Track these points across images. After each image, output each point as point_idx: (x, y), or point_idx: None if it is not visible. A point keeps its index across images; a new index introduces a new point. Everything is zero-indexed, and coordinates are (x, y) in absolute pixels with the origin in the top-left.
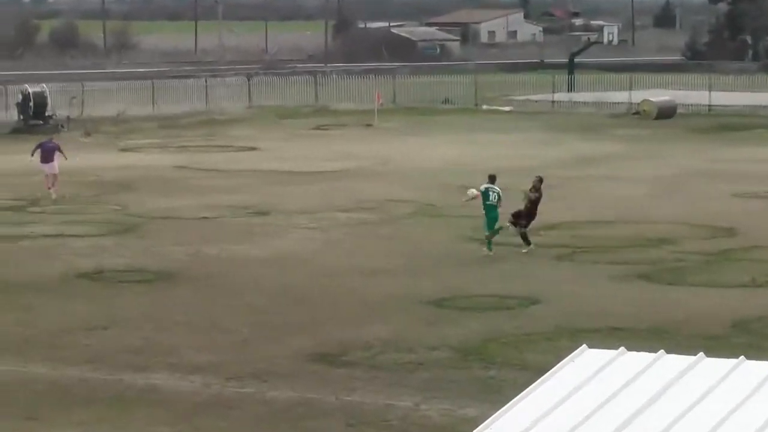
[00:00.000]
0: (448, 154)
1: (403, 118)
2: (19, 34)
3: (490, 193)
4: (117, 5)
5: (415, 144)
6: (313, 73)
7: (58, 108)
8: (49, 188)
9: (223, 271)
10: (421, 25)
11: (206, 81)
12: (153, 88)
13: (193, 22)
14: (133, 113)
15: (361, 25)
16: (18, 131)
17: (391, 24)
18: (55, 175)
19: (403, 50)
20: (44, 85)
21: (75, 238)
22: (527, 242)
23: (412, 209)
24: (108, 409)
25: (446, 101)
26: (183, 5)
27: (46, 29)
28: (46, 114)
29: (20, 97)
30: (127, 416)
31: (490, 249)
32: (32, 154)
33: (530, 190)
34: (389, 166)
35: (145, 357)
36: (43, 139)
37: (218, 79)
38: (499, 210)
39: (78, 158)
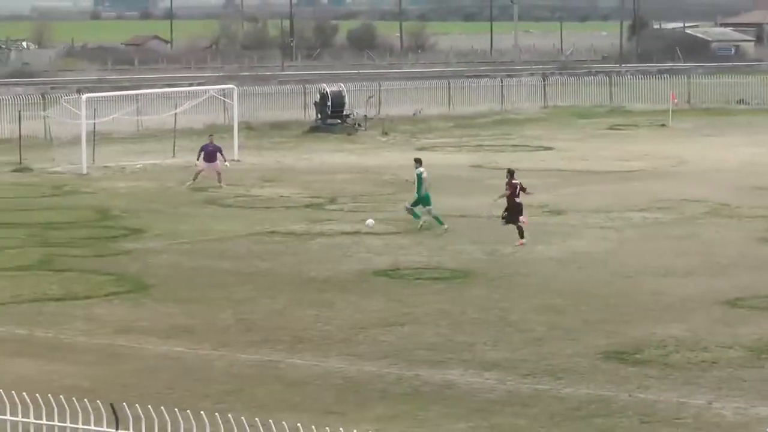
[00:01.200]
0: (742, 155)
1: (697, 119)
2: (317, 35)
3: (423, 174)
4: (414, 6)
5: (709, 144)
6: (607, 73)
7: (355, 107)
8: (219, 182)
9: (519, 270)
10: (716, 25)
11: (501, 81)
12: (449, 87)
13: (489, 23)
14: (429, 112)
15: (656, 26)
16: (316, 130)
17: (686, 24)
18: (218, 173)
19: (697, 51)
20: (342, 85)
21: (371, 235)
22: (521, 235)
23: (706, 209)
24: (404, 404)
25: (741, 102)
26: (478, 6)
27: (344, 30)
28: (344, 113)
29: (318, 96)
30: (424, 412)
31: (419, 218)
32: (198, 158)
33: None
34: (683, 166)
35: (441, 353)
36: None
37: (514, 79)
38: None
39: (376, 157)
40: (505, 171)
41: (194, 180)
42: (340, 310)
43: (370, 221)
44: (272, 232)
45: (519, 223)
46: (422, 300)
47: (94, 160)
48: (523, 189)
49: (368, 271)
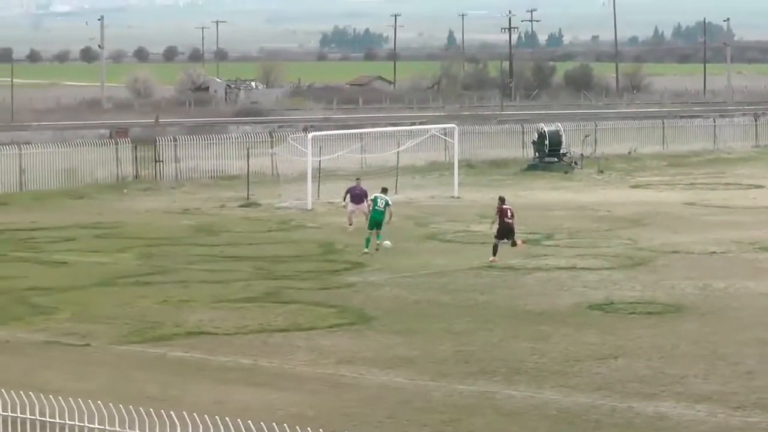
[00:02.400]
0: None
1: None
2: (535, 76)
3: (378, 200)
4: (629, 48)
5: None
6: None
7: (572, 146)
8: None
9: (731, 305)
10: None
11: (714, 121)
12: (663, 127)
13: (702, 65)
14: (643, 151)
15: None
16: (534, 168)
17: None
18: (365, 213)
19: None
20: (559, 124)
21: (587, 270)
22: (493, 253)
23: None
24: None
25: None
26: (693, 48)
27: (561, 71)
28: (561, 152)
29: (536, 135)
30: None
31: (367, 247)
32: (344, 200)
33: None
34: None
35: (654, 386)
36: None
37: (726, 119)
38: (388, 215)
39: (592, 194)
40: (498, 198)
41: (350, 224)
42: (556, 342)
43: (387, 243)
44: (490, 267)
45: (502, 241)
46: (635, 333)
47: (318, 196)
48: (512, 214)
49: (583, 305)
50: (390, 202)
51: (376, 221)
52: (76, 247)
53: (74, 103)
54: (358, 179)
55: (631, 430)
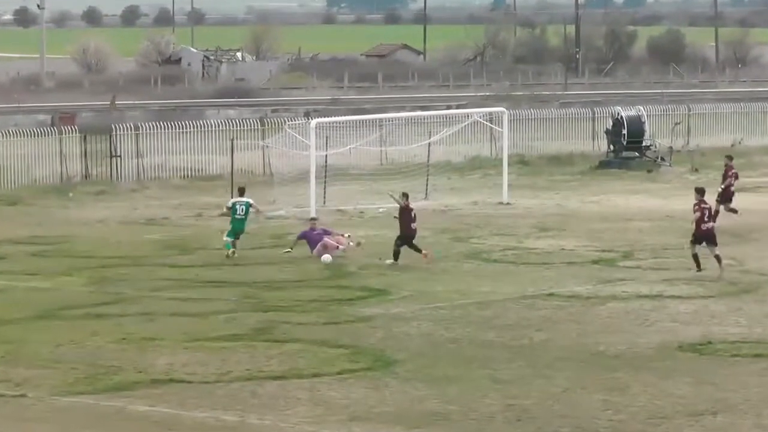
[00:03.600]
0: None
1: None
2: (610, 44)
3: (237, 206)
4: (733, 8)
5: None
6: None
7: (657, 136)
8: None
9: None
10: None
11: None
12: None
13: None
14: (751, 144)
15: None
16: (608, 165)
17: None
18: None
19: None
20: (641, 108)
21: (677, 299)
22: (394, 258)
23: None
24: None
25: None
26: None
27: (643, 38)
28: (644, 144)
29: (611, 122)
30: None
31: (229, 248)
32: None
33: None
34: None
35: None
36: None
37: None
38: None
39: (683, 200)
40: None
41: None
42: (636, 394)
43: (326, 257)
44: (550, 295)
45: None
46: (740, 382)
47: (324, 202)
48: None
49: (672, 345)
50: (251, 202)
51: (238, 231)
52: (8, 269)
53: (5, 80)
54: (313, 220)
55: None
